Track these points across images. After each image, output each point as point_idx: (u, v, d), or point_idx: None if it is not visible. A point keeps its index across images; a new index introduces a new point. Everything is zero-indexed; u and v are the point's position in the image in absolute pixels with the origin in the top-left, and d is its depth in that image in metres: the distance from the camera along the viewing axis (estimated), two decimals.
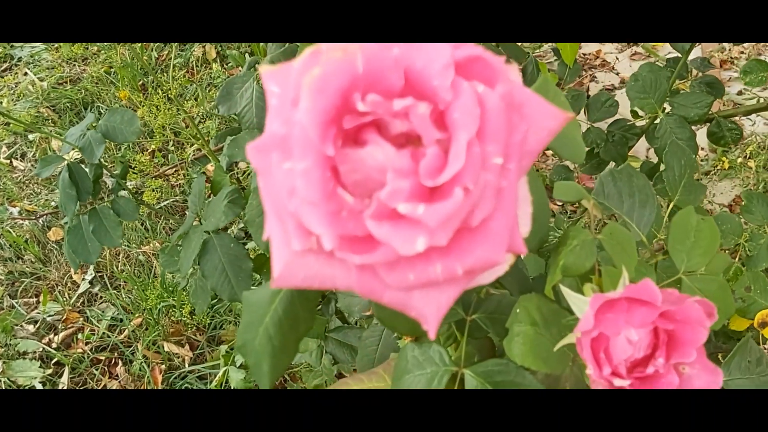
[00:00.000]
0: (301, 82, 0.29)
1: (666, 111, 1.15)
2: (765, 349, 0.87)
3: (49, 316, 2.10)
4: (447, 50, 0.29)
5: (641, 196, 0.59)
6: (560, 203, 2.31)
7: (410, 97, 0.28)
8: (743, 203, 1.14)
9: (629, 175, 0.59)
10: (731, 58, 2.80)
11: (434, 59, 0.29)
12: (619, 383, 0.39)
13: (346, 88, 0.29)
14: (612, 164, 1.39)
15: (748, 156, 2.45)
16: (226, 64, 2.89)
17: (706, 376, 0.40)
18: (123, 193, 1.33)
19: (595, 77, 2.84)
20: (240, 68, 1.42)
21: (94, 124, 1.29)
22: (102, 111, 2.55)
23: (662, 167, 1.25)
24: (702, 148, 2.46)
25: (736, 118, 1.22)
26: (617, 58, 2.89)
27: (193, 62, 2.86)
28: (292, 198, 0.29)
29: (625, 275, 0.43)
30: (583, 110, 1.36)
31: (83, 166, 1.26)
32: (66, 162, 1.24)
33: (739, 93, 2.60)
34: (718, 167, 2.41)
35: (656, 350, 0.40)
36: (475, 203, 0.28)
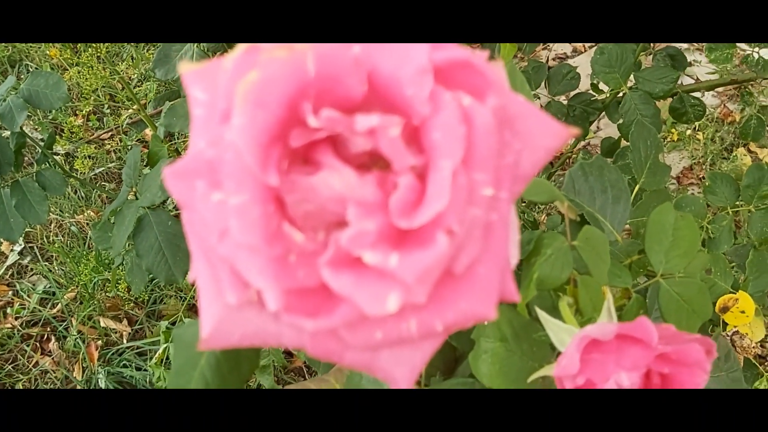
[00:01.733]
0: (235, 89, 0.22)
1: (630, 86, 1.11)
2: (726, 335, 0.85)
3: None
4: (423, 51, 0.22)
5: (614, 191, 0.54)
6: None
7: (377, 114, 0.22)
8: (707, 184, 1.11)
9: (600, 168, 0.54)
10: None
11: (406, 62, 0.22)
12: None
13: (293, 97, 0.22)
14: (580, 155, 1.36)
15: (696, 128, 2.46)
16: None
17: None
18: (49, 166, 1.22)
19: (548, 45, 2.80)
20: None
21: (15, 88, 1.18)
22: (30, 70, 2.38)
23: (623, 144, 1.22)
24: None
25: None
26: None
27: None
28: (224, 240, 0.22)
29: (610, 301, 0.38)
30: (543, 83, 1.31)
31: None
32: None
33: (693, 64, 2.60)
34: (668, 139, 2.41)
35: None
36: (460, 246, 0.22)
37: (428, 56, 0.22)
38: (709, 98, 2.50)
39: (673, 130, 2.46)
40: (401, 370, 0.24)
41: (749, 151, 2.41)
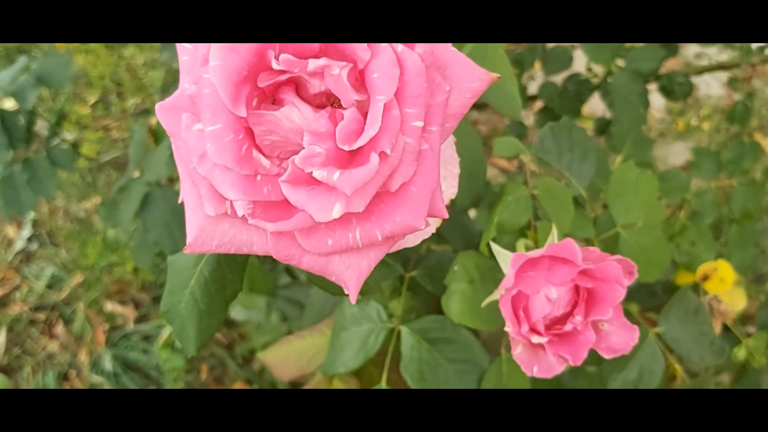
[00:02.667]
0: None
1: (620, 66, 1.16)
2: (707, 301, 0.90)
3: None
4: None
5: (580, 150, 0.59)
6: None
7: (324, 58, 0.27)
8: (692, 159, 1.15)
9: (568, 129, 0.59)
10: None
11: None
12: (537, 340, 0.39)
13: (259, 45, 0.27)
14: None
15: (702, 118, 2.48)
16: None
17: (623, 333, 0.41)
18: (58, 141, 1.28)
19: None
20: None
21: (28, 68, 1.24)
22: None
23: None
24: (658, 111, 2.48)
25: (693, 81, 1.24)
26: None
27: None
28: (203, 162, 0.27)
29: (554, 232, 0.43)
30: (538, 63, 1.35)
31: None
32: None
33: (697, 56, 2.62)
34: (673, 129, 2.44)
35: (575, 308, 0.40)
36: (395, 167, 0.27)
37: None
38: (715, 88, 2.53)
39: (678, 120, 2.48)
40: (350, 275, 0.30)
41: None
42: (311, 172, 0.27)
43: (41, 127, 1.57)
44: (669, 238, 1.04)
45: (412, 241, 0.33)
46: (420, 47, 0.27)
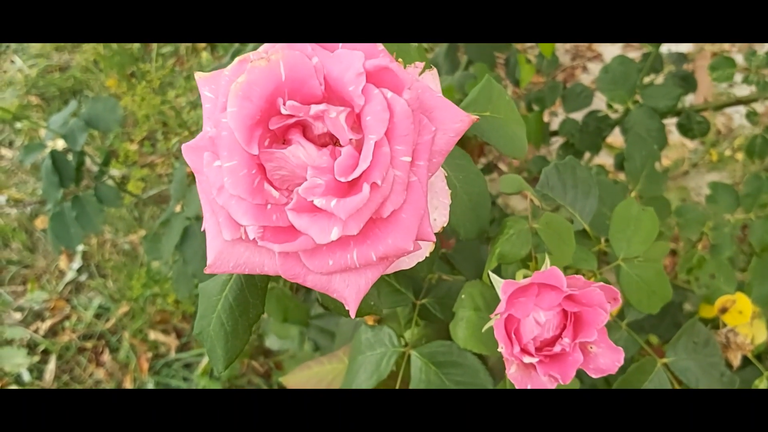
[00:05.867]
0: (230, 88, 0.32)
1: (637, 102, 1.18)
2: (723, 333, 0.91)
3: (36, 304, 2.13)
4: (359, 60, 0.32)
5: (584, 186, 0.62)
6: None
7: (324, 103, 0.32)
8: (709, 193, 1.17)
9: (572, 167, 0.63)
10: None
11: (348, 68, 0.32)
12: (528, 360, 0.42)
13: (270, 94, 0.32)
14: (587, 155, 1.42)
15: (736, 149, 2.47)
16: (216, 53, 2.90)
17: (610, 354, 0.43)
18: (106, 179, 1.35)
19: (587, 68, 2.86)
20: None
21: (77, 112, 1.32)
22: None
23: None
24: (691, 141, 2.48)
25: (727, 112, 1.25)
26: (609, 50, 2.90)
27: (183, 51, 2.87)
28: (221, 193, 0.32)
29: (547, 263, 0.47)
30: (559, 100, 1.39)
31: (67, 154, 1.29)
32: (49, 149, 1.26)
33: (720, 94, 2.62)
34: (707, 160, 2.43)
35: (564, 331, 0.44)
36: (386, 196, 0.32)
37: (363, 64, 0.32)
38: (745, 120, 2.51)
39: (711, 151, 2.47)
40: (349, 291, 0.34)
41: None
42: (312, 201, 0.31)
43: (91, 163, 1.66)
44: (687, 271, 1.05)
45: (407, 263, 0.37)
46: (407, 93, 0.32)
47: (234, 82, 0.32)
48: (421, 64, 0.36)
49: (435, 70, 0.36)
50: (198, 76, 0.35)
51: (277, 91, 0.32)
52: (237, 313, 0.45)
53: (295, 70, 0.32)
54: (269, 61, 0.32)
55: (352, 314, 0.34)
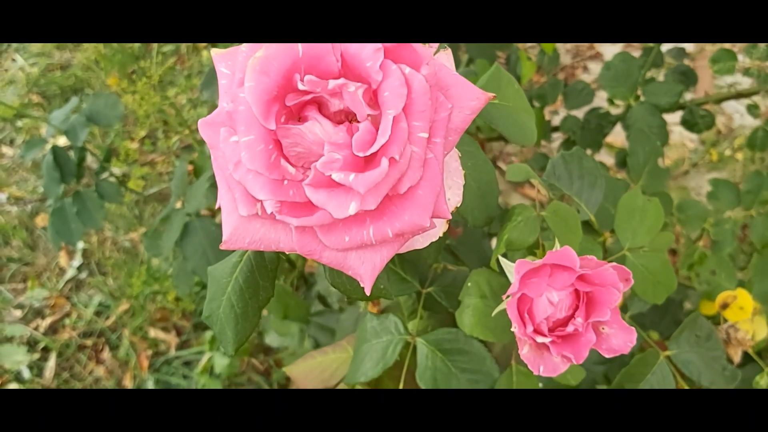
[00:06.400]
0: (247, 63, 0.32)
1: (639, 99, 1.19)
2: (724, 329, 0.91)
3: (37, 301, 2.13)
4: None
5: (590, 177, 0.62)
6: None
7: (342, 78, 0.32)
8: (710, 190, 1.17)
9: (579, 158, 0.63)
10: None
11: (365, 44, 0.32)
12: (541, 340, 0.42)
13: (287, 69, 0.32)
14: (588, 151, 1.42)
15: (736, 148, 2.47)
16: None
17: (622, 335, 0.44)
18: (106, 176, 1.35)
19: (587, 68, 2.86)
20: None
21: (78, 108, 1.32)
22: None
23: None
24: (692, 141, 2.49)
25: (727, 112, 1.26)
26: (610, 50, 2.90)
27: (184, 50, 2.87)
28: (238, 168, 0.32)
29: (557, 245, 0.47)
30: (560, 98, 1.39)
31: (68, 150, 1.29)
32: (50, 145, 1.26)
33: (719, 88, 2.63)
34: (707, 160, 2.43)
35: (576, 311, 0.44)
36: (403, 172, 0.32)
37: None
38: (749, 118, 2.52)
39: (712, 151, 2.47)
40: (365, 268, 0.34)
41: None
42: (330, 175, 0.31)
43: (91, 161, 1.66)
44: (688, 267, 1.05)
45: (421, 242, 0.37)
46: (425, 69, 0.32)
47: (252, 57, 0.32)
48: (435, 45, 0.36)
49: (449, 50, 0.37)
50: (214, 52, 0.35)
51: (294, 67, 0.33)
52: (247, 296, 0.45)
53: (312, 46, 0.32)
54: None
55: (368, 290, 0.34)
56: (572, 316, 0.44)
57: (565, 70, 2.72)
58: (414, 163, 0.32)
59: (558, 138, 1.76)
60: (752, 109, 1.20)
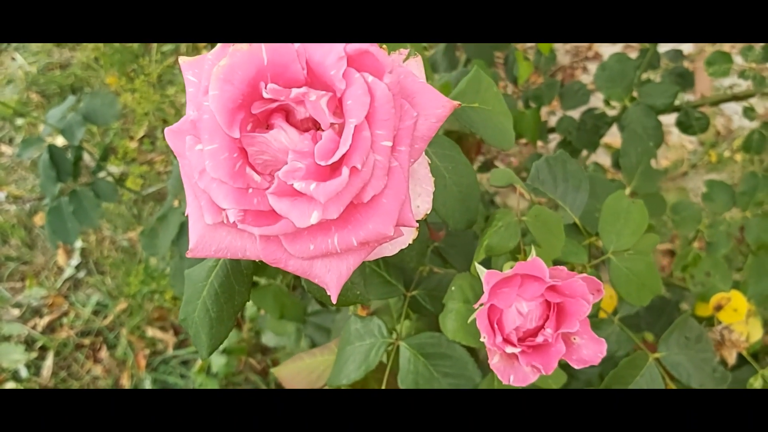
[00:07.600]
0: (212, 72, 0.32)
1: (635, 100, 1.18)
2: (718, 331, 0.91)
3: (35, 300, 2.13)
4: (340, 44, 0.32)
5: (574, 180, 0.62)
6: None
7: (306, 86, 0.32)
8: (705, 191, 1.17)
9: (563, 161, 0.63)
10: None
11: (329, 52, 0.32)
12: (510, 350, 0.42)
13: (252, 77, 0.32)
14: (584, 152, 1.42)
15: (735, 150, 2.46)
16: None
17: (593, 346, 0.43)
18: (104, 175, 1.35)
19: (587, 68, 2.86)
20: None
21: (75, 107, 1.31)
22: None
23: None
24: (691, 142, 2.48)
25: (726, 113, 1.25)
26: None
27: (184, 49, 2.87)
28: (203, 177, 0.32)
29: (533, 254, 0.47)
30: (557, 98, 1.38)
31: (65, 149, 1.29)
32: (47, 144, 1.26)
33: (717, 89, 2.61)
34: (706, 161, 2.42)
35: (546, 321, 0.44)
36: (366, 181, 0.32)
37: (343, 47, 0.32)
38: (748, 120, 2.51)
39: (711, 152, 2.47)
40: (331, 277, 0.34)
41: None
42: (293, 185, 0.31)
43: (89, 160, 1.66)
44: (682, 268, 1.05)
45: (390, 250, 0.37)
46: (387, 78, 0.32)
47: (216, 66, 0.32)
48: (406, 51, 0.36)
49: (420, 57, 0.36)
50: (182, 60, 0.35)
51: (260, 75, 0.32)
52: (222, 300, 0.45)
53: (277, 54, 0.32)
54: (251, 45, 0.32)
55: (334, 299, 0.34)
56: (542, 327, 0.44)
57: (565, 71, 2.71)
58: (377, 172, 0.32)
59: (555, 139, 1.75)
60: (748, 112, 1.20)
